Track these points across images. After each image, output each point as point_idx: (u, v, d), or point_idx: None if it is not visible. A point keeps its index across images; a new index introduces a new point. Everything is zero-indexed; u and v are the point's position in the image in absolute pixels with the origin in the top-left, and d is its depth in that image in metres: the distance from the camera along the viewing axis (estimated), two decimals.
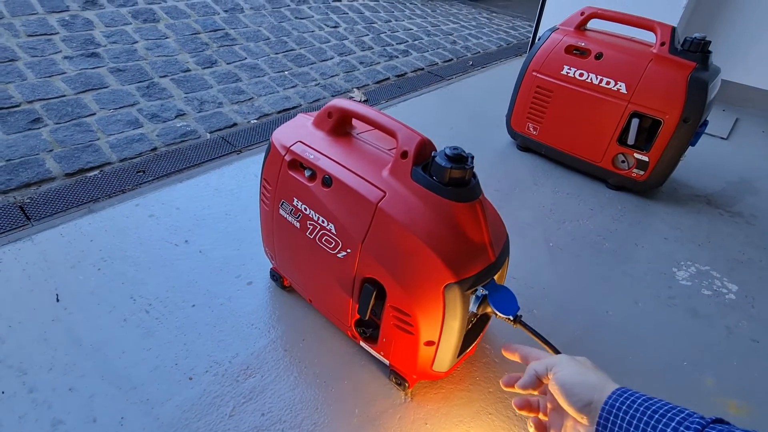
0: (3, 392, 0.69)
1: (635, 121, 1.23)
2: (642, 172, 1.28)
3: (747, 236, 1.22)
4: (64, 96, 1.49)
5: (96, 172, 1.24)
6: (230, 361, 0.78)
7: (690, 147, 1.25)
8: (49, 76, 1.55)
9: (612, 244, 1.15)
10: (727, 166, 1.58)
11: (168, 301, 0.87)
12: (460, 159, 0.59)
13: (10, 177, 1.16)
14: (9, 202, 1.09)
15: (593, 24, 1.35)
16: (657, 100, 1.19)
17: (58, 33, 1.75)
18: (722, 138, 1.77)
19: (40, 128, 1.34)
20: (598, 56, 1.26)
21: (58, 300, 0.84)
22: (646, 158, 1.25)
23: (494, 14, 3.58)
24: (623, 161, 1.30)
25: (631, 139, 1.25)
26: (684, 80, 1.15)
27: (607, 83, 1.25)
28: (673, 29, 1.20)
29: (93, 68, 1.64)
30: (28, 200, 1.10)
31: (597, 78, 1.26)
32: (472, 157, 0.61)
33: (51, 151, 1.27)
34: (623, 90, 1.23)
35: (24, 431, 0.65)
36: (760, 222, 1.28)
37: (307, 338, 0.83)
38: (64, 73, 1.58)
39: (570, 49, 1.31)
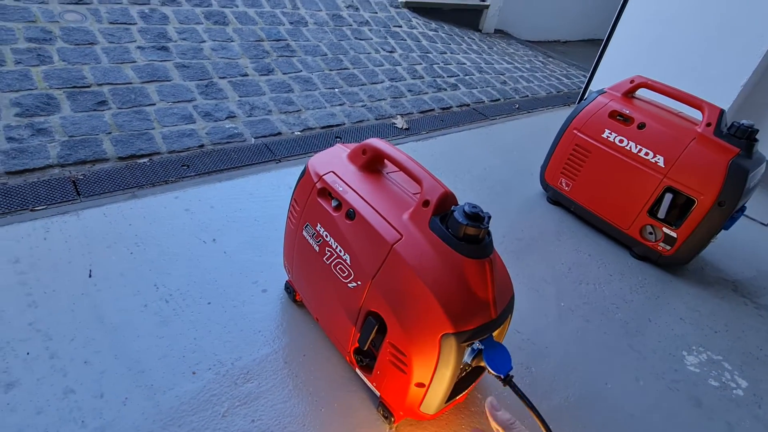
0: (28, 353, 0.76)
1: (668, 196, 1.22)
2: (669, 247, 1.27)
3: None
4: (131, 83, 1.61)
5: (146, 159, 1.33)
6: (233, 363, 0.82)
7: (723, 231, 1.23)
8: (121, 63, 1.68)
9: (624, 315, 1.14)
10: (763, 253, 1.53)
11: (187, 294, 0.93)
12: (477, 218, 0.62)
13: (70, 152, 1.26)
14: (64, 175, 1.18)
15: (642, 92, 1.36)
16: (694, 179, 1.18)
17: (136, 24, 1.89)
18: (763, 224, 1.72)
19: (104, 111, 1.45)
20: (641, 126, 1.27)
21: (90, 276, 0.92)
22: (674, 234, 1.24)
23: (551, 59, 3.60)
24: (651, 233, 1.29)
25: (662, 212, 1.25)
26: (724, 165, 1.14)
27: (646, 154, 1.25)
28: (722, 111, 1.19)
29: (161, 61, 1.77)
30: (81, 176, 1.19)
31: (636, 147, 1.26)
32: (489, 217, 0.63)
33: (110, 133, 1.38)
34: (661, 163, 1.22)
35: (39, 393, 0.71)
36: None
37: (308, 354, 0.87)
38: (135, 62, 1.71)
39: (614, 114, 1.32)
